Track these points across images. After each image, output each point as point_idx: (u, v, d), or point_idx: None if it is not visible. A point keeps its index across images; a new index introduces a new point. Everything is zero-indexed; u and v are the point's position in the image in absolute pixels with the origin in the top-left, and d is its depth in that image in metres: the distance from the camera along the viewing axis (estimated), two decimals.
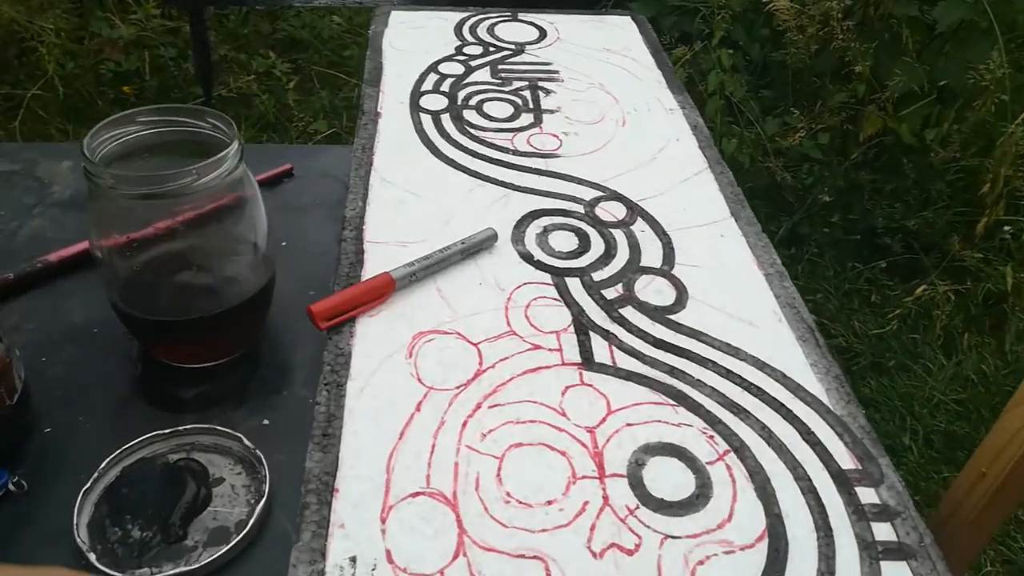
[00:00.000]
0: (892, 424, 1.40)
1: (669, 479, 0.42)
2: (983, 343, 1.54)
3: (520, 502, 0.40)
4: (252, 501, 0.42)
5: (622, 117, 0.73)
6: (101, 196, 0.42)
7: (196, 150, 0.47)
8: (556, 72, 0.79)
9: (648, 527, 0.40)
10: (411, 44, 0.82)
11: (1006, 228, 1.67)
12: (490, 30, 0.86)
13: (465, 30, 0.86)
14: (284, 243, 0.60)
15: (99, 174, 0.41)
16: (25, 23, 1.76)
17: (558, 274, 0.55)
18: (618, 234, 0.59)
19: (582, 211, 0.61)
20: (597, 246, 0.58)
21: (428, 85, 0.75)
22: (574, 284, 0.54)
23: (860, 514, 0.41)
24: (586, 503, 0.41)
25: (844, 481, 0.43)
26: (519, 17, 0.89)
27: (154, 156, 0.48)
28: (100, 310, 0.47)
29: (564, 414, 0.45)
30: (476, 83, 0.76)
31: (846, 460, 0.44)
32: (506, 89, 0.76)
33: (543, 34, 0.86)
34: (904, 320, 1.56)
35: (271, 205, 0.64)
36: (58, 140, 1.61)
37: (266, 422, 0.46)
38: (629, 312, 0.52)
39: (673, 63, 1.89)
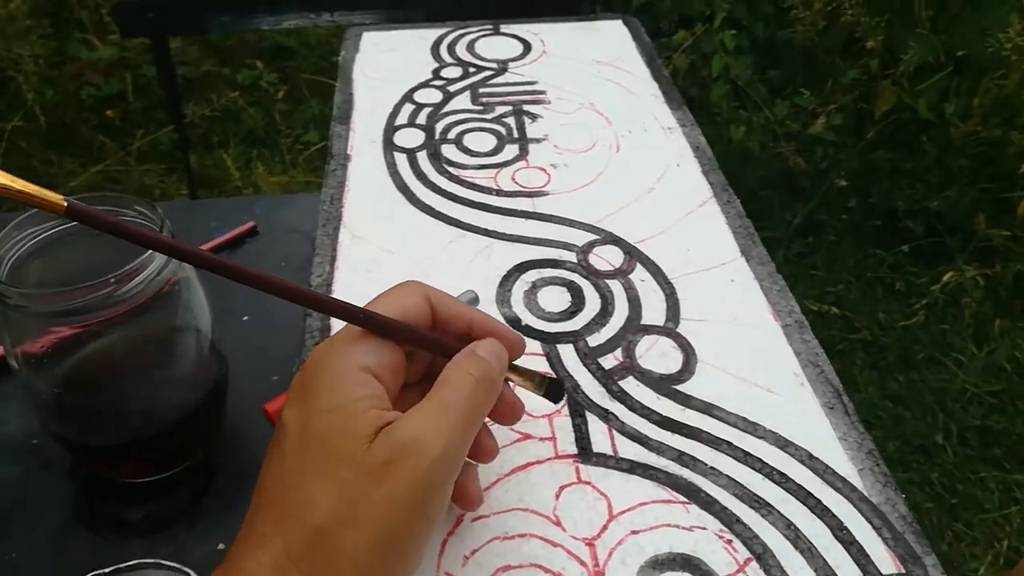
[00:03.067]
0: (924, 422, 1.33)
1: None
2: (1016, 329, 1.46)
3: None
4: None
5: (615, 142, 0.66)
6: (8, 311, 0.36)
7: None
8: (543, 93, 0.72)
9: None
10: (385, 70, 0.75)
11: None
12: (470, 47, 0.79)
13: (443, 49, 0.79)
14: (246, 318, 0.54)
15: (5, 292, 0.35)
16: (1, 52, 1.71)
17: (549, 341, 0.49)
18: (615, 286, 0.53)
19: (574, 260, 0.55)
20: (592, 303, 0.51)
21: (403, 118, 0.69)
22: (567, 352, 0.48)
23: None
24: None
25: None
26: (501, 30, 0.82)
27: (82, 245, 0.42)
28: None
29: (559, 524, 0.39)
30: (455, 111, 0.70)
31: (887, 563, 0.38)
32: (488, 117, 0.69)
33: (527, 48, 0.79)
34: (931, 309, 1.48)
35: None
36: (42, 173, 1.56)
37: (221, 546, 0.41)
38: (630, 384, 0.46)
39: (673, 48, 1.82)
